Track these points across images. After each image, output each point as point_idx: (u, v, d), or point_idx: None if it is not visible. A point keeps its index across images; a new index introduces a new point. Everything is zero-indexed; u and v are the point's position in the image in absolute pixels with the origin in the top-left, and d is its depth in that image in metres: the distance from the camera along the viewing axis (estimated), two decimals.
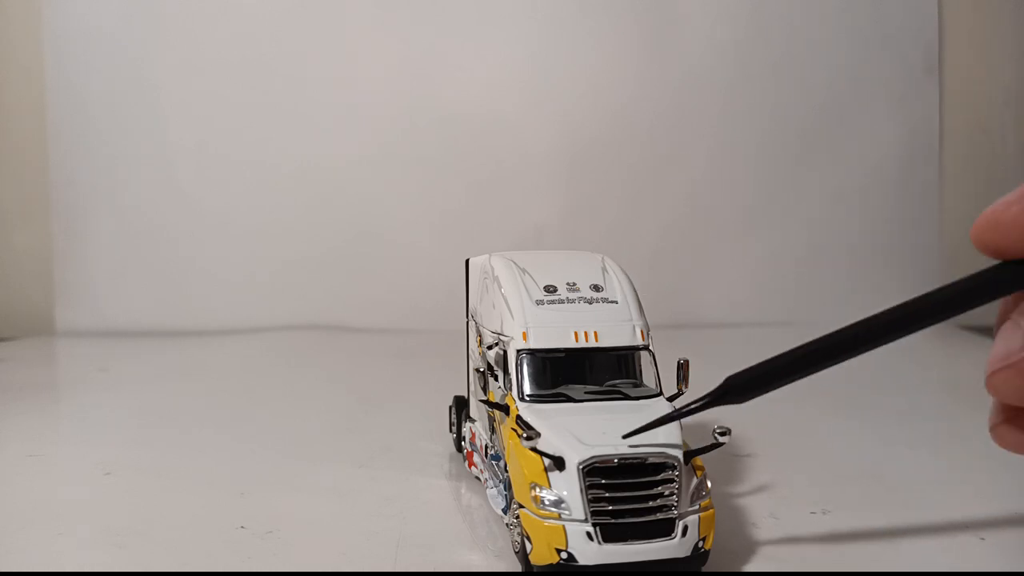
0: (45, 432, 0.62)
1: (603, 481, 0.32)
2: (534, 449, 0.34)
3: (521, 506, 0.34)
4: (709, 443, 0.35)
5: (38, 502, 0.45)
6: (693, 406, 0.31)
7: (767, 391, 0.29)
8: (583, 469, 0.32)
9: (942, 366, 0.86)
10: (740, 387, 0.29)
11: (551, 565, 0.32)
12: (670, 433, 0.34)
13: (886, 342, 0.27)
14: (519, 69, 1.10)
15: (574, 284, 0.40)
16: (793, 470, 0.49)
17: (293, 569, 0.36)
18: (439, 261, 0.92)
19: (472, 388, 0.48)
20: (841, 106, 1.11)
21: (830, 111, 1.11)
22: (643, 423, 0.33)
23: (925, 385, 0.77)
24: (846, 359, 0.28)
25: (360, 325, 1.06)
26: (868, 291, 1.11)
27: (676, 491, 0.33)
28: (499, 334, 0.40)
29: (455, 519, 0.41)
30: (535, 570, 0.33)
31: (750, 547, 0.37)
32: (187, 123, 1.08)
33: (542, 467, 0.33)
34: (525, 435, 0.34)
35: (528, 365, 0.38)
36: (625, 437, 0.33)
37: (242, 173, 1.09)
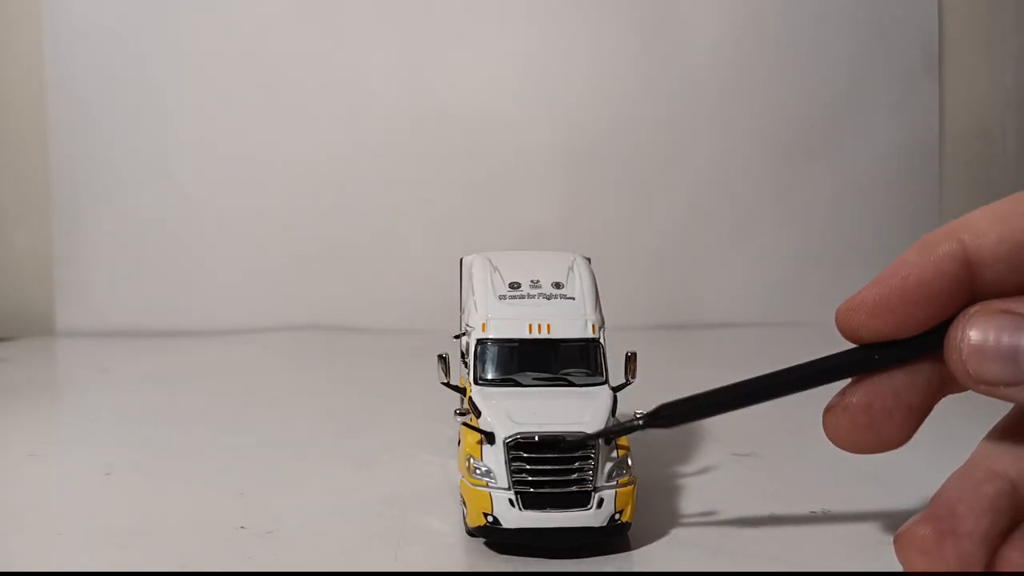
0: (45, 432, 0.62)
1: (525, 455, 0.36)
2: (466, 424, 0.39)
3: (462, 476, 0.38)
4: (630, 425, 0.38)
5: (38, 502, 0.45)
6: (628, 424, 0.35)
7: (691, 421, 0.34)
8: (508, 443, 0.36)
9: None
10: (669, 415, 0.33)
11: (480, 527, 0.36)
12: (596, 415, 0.38)
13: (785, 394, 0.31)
14: (518, 68, 1.10)
15: (537, 281, 0.43)
16: (793, 470, 0.49)
17: (293, 569, 0.36)
18: (439, 261, 0.91)
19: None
20: (841, 107, 1.11)
21: (830, 111, 1.11)
22: (583, 408, 0.38)
23: None
24: (757, 403, 0.31)
25: (360, 325, 1.06)
26: None
27: (592, 468, 0.36)
28: (469, 326, 0.44)
29: (455, 519, 0.41)
30: (469, 531, 0.38)
31: (750, 547, 0.37)
32: (187, 123, 1.08)
33: (477, 441, 0.37)
34: (458, 411, 0.39)
35: (484, 352, 0.42)
36: (587, 440, 0.36)
37: (242, 172, 1.09)
